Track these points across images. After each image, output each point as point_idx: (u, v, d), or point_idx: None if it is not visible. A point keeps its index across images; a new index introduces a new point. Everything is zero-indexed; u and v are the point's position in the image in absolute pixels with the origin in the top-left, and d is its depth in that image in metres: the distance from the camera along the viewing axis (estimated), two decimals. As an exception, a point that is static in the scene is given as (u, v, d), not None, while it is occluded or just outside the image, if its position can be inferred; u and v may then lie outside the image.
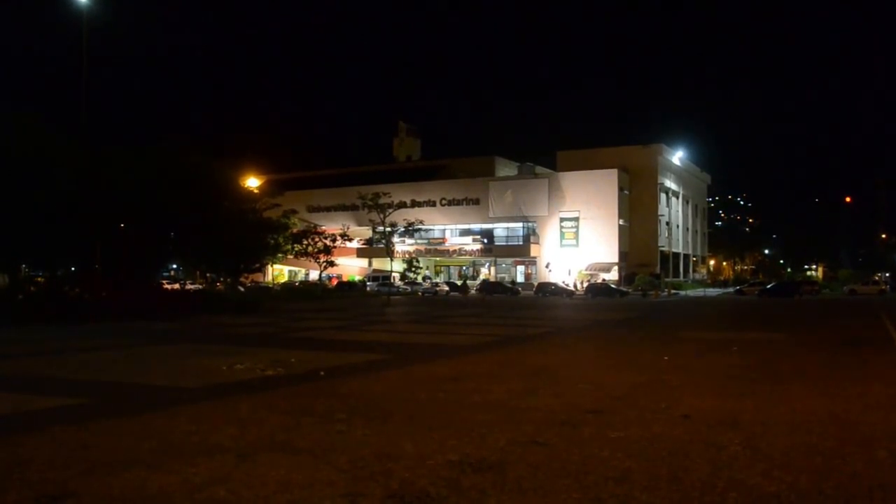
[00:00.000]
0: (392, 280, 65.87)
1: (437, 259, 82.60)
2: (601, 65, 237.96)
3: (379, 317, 27.88)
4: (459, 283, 69.51)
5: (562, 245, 73.27)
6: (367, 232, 74.20)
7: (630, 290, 62.10)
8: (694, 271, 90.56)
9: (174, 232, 36.01)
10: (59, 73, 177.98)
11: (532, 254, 74.87)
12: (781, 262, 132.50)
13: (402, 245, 71.50)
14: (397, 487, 4.68)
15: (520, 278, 74.47)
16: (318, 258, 60.95)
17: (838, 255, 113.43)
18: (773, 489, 4.64)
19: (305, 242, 60.69)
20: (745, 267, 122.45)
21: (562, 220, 73.16)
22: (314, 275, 72.55)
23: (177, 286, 45.83)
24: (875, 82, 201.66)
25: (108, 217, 30.11)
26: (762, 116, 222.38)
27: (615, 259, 71.17)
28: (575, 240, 72.66)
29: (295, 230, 58.18)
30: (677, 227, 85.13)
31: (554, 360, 12.59)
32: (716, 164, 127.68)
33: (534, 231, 75.24)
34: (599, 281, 66.80)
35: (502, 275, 76.61)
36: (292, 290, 57.00)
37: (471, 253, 77.82)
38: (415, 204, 77.20)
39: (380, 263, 76.67)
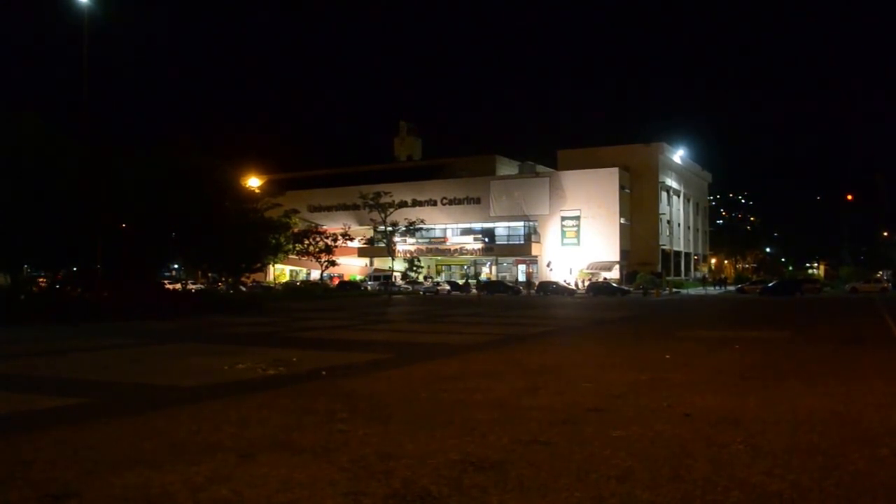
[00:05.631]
0: (393, 279, 65.89)
1: (439, 258, 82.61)
2: (602, 64, 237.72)
3: (380, 316, 27.88)
4: (461, 282, 69.56)
5: (563, 244, 73.24)
6: (368, 231, 74.26)
7: (631, 289, 62.10)
8: (695, 270, 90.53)
9: (175, 232, 36.05)
10: (60, 73, 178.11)
11: (533, 253, 74.86)
12: (783, 260, 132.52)
13: (404, 244, 71.53)
14: (399, 486, 4.69)
15: (521, 277, 74.51)
16: (319, 258, 61.02)
17: (840, 253, 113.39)
18: (774, 487, 4.63)
19: (307, 242, 60.78)
20: (747, 265, 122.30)
21: (563, 218, 73.13)
22: (315, 274, 72.59)
23: (178, 286, 45.87)
24: (876, 80, 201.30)
25: (110, 217, 30.13)
26: (763, 115, 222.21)
27: (616, 258, 71.13)
28: (576, 238, 72.64)
29: (296, 230, 58.25)
30: (678, 225, 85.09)
31: (555, 358, 12.58)
32: (717, 163, 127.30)
33: (535, 230, 75.22)
34: (601, 280, 66.79)
35: (503, 273, 76.65)
36: (294, 290, 57.11)
37: (472, 252, 77.81)
38: (416, 203, 77.19)
39: (381, 263, 76.69)
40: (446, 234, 79.74)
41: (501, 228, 77.82)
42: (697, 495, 4.49)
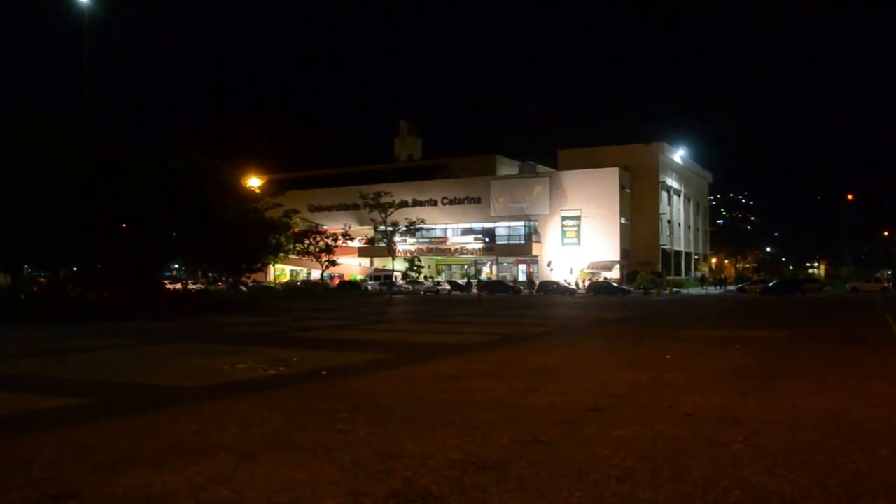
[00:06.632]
0: (394, 279, 65.92)
1: (439, 258, 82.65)
2: (602, 63, 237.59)
3: (380, 316, 27.88)
4: (462, 282, 69.57)
5: (563, 244, 73.26)
6: (368, 231, 74.28)
7: (632, 289, 62.12)
8: (696, 269, 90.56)
9: (175, 232, 36.06)
10: (60, 73, 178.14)
11: (534, 252, 74.90)
12: (783, 259, 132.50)
13: (404, 244, 71.51)
14: (400, 486, 4.68)
15: (522, 277, 74.56)
16: (319, 258, 61.04)
17: (840, 253, 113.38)
18: (775, 487, 4.63)
19: (307, 242, 60.79)
20: (747, 265, 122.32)
21: (563, 218, 73.16)
22: (316, 274, 72.60)
23: (178, 286, 45.89)
24: (876, 80, 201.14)
25: (110, 217, 30.16)
26: (763, 115, 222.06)
27: (617, 257, 71.14)
28: (576, 238, 72.65)
29: (296, 230, 58.26)
30: (679, 225, 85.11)
31: (556, 358, 12.57)
32: (717, 163, 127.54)
33: (535, 230, 75.24)
34: (601, 279, 66.80)
35: (504, 273, 76.68)
36: (294, 290, 57.15)
37: (472, 252, 77.85)
38: (416, 203, 77.22)
39: (382, 263, 76.73)
40: (447, 234, 79.77)
41: (502, 228, 77.84)
42: (698, 495, 4.48)
